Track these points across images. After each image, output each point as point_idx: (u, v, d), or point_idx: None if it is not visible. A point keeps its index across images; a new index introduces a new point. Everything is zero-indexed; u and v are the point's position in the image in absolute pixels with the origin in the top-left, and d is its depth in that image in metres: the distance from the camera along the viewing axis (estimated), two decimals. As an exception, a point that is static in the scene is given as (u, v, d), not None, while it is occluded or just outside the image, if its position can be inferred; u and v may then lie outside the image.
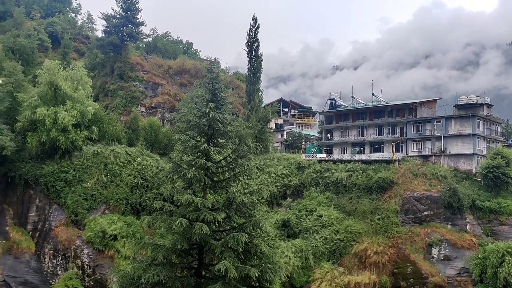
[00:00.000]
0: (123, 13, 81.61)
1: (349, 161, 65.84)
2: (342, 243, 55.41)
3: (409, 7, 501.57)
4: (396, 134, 69.36)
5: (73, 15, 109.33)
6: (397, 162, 63.06)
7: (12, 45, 74.97)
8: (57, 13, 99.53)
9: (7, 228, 57.19)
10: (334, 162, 66.79)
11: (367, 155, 68.26)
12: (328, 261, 54.27)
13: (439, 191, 57.31)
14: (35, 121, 57.02)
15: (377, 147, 70.06)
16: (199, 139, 28.18)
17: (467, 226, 56.06)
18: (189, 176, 26.71)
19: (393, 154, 64.37)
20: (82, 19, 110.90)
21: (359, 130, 73.67)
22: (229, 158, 28.85)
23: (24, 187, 58.48)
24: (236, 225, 28.01)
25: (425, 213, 56.97)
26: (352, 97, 78.95)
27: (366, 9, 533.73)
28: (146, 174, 59.29)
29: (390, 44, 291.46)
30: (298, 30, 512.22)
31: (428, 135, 65.10)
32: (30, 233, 57.19)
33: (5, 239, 56.24)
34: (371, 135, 71.82)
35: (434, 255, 53.49)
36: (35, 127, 57.69)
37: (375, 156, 66.59)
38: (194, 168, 27.04)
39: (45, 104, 57.70)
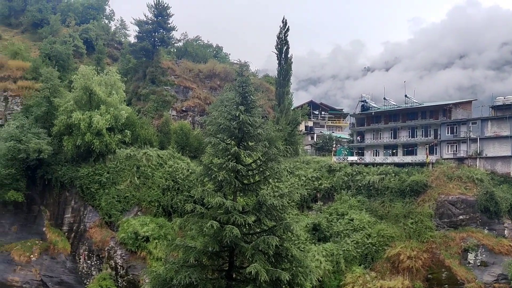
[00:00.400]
0: (155, 19, 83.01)
1: (381, 164, 64.80)
2: (374, 247, 54.49)
3: (443, 6, 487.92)
4: (430, 136, 67.78)
5: (106, 21, 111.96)
6: (431, 165, 61.62)
7: (49, 51, 77.51)
8: (91, 19, 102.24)
9: (44, 229, 58.95)
10: (366, 165, 65.87)
11: (399, 158, 67.02)
12: (360, 265, 53.49)
13: (475, 195, 55.62)
14: (71, 125, 58.55)
15: (410, 149, 68.68)
16: (229, 142, 28.28)
17: (505, 231, 54.19)
18: (219, 179, 26.84)
19: (427, 156, 62.92)
20: (116, 25, 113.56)
21: (391, 132, 72.43)
22: (259, 161, 28.84)
23: (60, 189, 60.18)
24: (267, 228, 27.93)
25: (461, 217, 55.38)
26: (384, 98, 77.69)
27: (397, 10, 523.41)
28: (177, 177, 60.02)
29: (423, 44, 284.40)
30: (328, 32, 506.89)
31: (463, 137, 63.32)
32: (66, 234, 58.76)
33: (42, 240, 58.00)
34: (403, 137, 70.45)
35: (470, 261, 51.89)
36: (71, 131, 59.23)
37: (408, 158, 65.31)
38: (224, 171, 27.16)
39: (80, 108, 59.20)
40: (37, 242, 57.71)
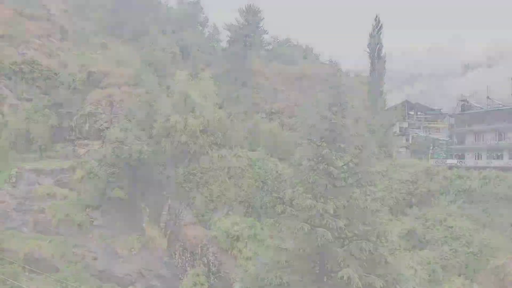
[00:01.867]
0: (246, 23, 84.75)
1: (484, 168, 59.98)
2: (476, 257, 50.54)
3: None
4: (542, 138, 61.62)
5: (201, 28, 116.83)
6: (543, 169, 55.90)
7: (149, 59, 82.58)
8: (187, 27, 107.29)
9: (143, 224, 62.64)
10: (467, 168, 61.43)
11: (506, 162, 61.67)
12: (459, 276, 49.93)
13: None
14: (168, 127, 61.69)
15: (518, 153, 63.00)
16: (320, 143, 27.90)
17: None
18: (310, 181, 26.60)
19: (538, 160, 57.18)
20: (209, 31, 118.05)
21: (496, 134, 66.97)
22: (351, 164, 28.12)
23: (159, 188, 63.68)
24: (359, 233, 27.12)
25: None
26: (488, 98, 72.15)
27: (503, 1, 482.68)
28: (266, 178, 60.61)
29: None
30: (424, 27, 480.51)
31: None
32: (163, 230, 61.84)
33: (142, 235, 61.73)
34: (510, 139, 64.71)
35: None
36: (168, 133, 62.27)
37: (516, 162, 59.89)
38: (315, 173, 26.83)
39: (177, 112, 62.13)
40: (138, 237, 61.50)
